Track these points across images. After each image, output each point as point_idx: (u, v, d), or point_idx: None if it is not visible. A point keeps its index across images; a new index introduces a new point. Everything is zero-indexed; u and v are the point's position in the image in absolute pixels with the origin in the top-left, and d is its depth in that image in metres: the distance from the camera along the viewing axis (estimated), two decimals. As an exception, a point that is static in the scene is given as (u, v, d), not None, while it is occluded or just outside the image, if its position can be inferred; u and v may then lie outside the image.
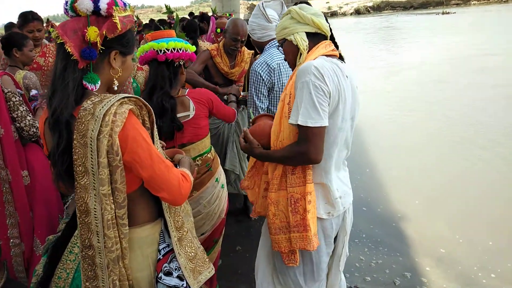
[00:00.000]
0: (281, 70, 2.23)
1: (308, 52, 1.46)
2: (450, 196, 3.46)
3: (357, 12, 42.28)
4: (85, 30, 1.01)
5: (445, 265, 2.54)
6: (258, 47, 2.45)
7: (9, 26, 3.64)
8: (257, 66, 2.23)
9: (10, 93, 1.89)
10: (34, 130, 1.96)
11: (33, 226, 2.00)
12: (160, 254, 1.18)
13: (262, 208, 1.64)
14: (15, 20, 3.27)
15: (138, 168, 1.03)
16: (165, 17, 6.15)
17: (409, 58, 11.09)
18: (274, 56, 2.24)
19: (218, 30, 4.49)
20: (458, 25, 19.13)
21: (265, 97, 2.25)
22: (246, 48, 2.94)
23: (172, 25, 4.66)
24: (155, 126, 1.15)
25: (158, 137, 1.18)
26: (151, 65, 1.77)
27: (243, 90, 2.95)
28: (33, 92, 2.25)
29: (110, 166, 1.00)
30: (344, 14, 41.73)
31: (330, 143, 1.43)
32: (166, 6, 5.01)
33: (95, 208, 1.02)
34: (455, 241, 2.79)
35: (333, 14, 41.63)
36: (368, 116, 5.80)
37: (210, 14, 6.28)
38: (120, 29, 1.04)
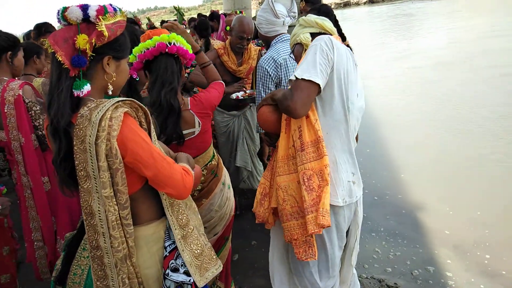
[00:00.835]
0: (288, 65, 2.23)
1: None
2: (467, 183, 3.39)
3: (371, 1, 41.34)
4: (75, 38, 1.03)
5: (464, 255, 2.50)
6: (265, 42, 2.46)
7: (28, 34, 3.76)
8: (263, 62, 2.24)
9: (31, 103, 1.95)
10: None
11: (56, 229, 2.07)
12: (166, 251, 1.20)
13: (255, 206, 1.68)
14: (12, 23, 3.32)
15: (142, 168, 1.06)
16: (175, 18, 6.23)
17: (416, 45, 10.94)
18: (280, 51, 2.24)
19: (228, 28, 4.51)
20: (472, 9, 18.47)
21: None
22: (253, 45, 2.95)
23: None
24: (152, 127, 1.17)
25: (156, 137, 1.21)
26: (157, 60, 1.62)
27: (251, 87, 2.97)
28: None
29: (111, 169, 1.03)
30: (357, 4, 40.88)
31: (337, 119, 1.47)
32: (175, 7, 5.04)
33: (99, 210, 1.05)
34: (474, 230, 2.74)
35: (346, 5, 40.85)
36: (380, 103, 5.71)
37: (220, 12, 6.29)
38: (107, 35, 1.05)
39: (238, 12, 5.63)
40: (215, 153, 1.97)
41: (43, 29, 2.99)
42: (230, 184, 2.04)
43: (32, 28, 3.29)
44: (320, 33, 1.60)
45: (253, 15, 9.93)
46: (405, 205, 3.19)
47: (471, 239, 2.65)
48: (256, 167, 3.00)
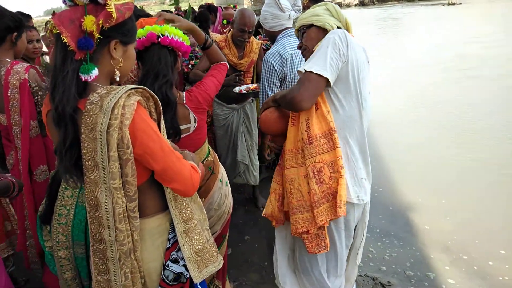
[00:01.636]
0: (294, 60, 2.22)
1: None
2: (461, 188, 3.46)
3: (362, 3, 41.75)
4: (82, 20, 0.98)
5: (459, 257, 2.54)
6: (270, 37, 2.43)
7: None
8: (269, 57, 2.22)
9: (37, 87, 1.87)
10: None
11: None
12: (169, 243, 1.18)
13: (270, 210, 1.67)
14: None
15: (150, 161, 1.02)
16: (171, 9, 6.11)
17: (396, 48, 11.54)
18: (286, 46, 2.22)
19: (225, 21, 4.46)
20: (457, 17, 19.27)
21: (277, 87, 2.24)
22: (255, 38, 2.92)
23: (182, 16, 4.63)
24: (162, 117, 1.14)
25: (165, 129, 1.17)
26: (149, 51, 1.55)
27: (252, 82, 2.95)
28: None
29: (121, 159, 0.99)
30: (348, 6, 41.20)
31: (351, 115, 1.45)
32: (172, -2, 4.97)
33: (106, 202, 1.01)
34: (466, 234, 2.79)
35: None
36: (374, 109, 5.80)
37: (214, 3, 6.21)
38: (115, 17, 0.99)
39: (232, 6, 5.58)
40: (210, 149, 1.91)
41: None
42: (228, 180, 1.99)
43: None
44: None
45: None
46: (397, 204, 3.23)
47: (467, 241, 2.69)
48: (252, 161, 2.99)
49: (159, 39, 1.51)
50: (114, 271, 1.07)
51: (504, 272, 2.36)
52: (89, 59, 1.00)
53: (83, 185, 1.05)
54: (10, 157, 1.99)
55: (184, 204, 1.20)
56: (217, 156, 1.98)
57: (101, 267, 1.08)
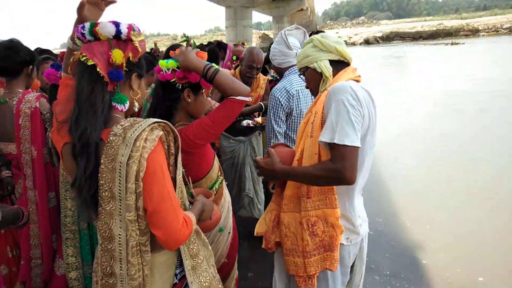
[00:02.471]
0: (300, 96, 2.28)
1: (333, 77, 1.46)
2: (465, 225, 3.39)
3: (367, 42, 43.00)
4: (110, 53, 1.03)
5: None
6: (278, 73, 2.53)
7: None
8: (276, 92, 2.29)
9: (48, 114, 1.95)
10: None
11: (56, 248, 2.01)
12: (176, 278, 1.17)
13: (264, 228, 1.62)
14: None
15: (146, 198, 1.01)
16: (183, 44, 6.36)
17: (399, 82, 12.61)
18: (293, 82, 2.30)
19: (234, 57, 4.63)
20: (456, 55, 20.23)
21: (283, 122, 2.29)
22: (262, 75, 3.03)
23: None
24: (180, 152, 1.15)
25: (181, 163, 1.17)
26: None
27: (258, 116, 3.02)
28: None
29: (135, 192, 0.99)
30: (353, 44, 42.45)
31: (357, 167, 1.39)
32: (184, 35, 5.19)
33: (119, 235, 1.01)
34: (471, 276, 2.71)
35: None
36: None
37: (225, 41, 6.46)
38: (141, 52, 1.09)
39: (240, 43, 5.80)
40: (221, 181, 1.75)
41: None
42: (230, 228, 1.83)
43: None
44: (338, 61, 1.49)
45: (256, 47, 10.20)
46: (402, 240, 3.16)
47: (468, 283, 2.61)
48: (258, 194, 2.99)
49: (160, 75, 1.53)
50: None
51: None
52: (119, 89, 1.07)
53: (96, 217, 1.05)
54: (19, 185, 2.02)
55: (191, 239, 1.20)
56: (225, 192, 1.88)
57: None
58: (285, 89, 2.27)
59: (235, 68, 3.11)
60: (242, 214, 3.06)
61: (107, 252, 1.04)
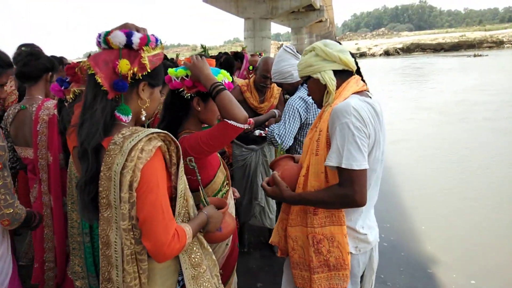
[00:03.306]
0: (316, 106, 2.26)
1: (337, 89, 1.42)
2: (481, 239, 3.27)
3: (387, 53, 42.61)
4: (117, 62, 1.02)
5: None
6: (292, 90, 2.45)
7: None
8: (294, 102, 2.26)
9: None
10: None
11: (70, 251, 2.03)
12: (179, 285, 1.16)
13: (277, 238, 1.61)
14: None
15: (138, 207, 1.00)
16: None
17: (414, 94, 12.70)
18: None
19: (251, 67, 4.68)
20: (477, 67, 20.08)
21: (293, 134, 2.26)
22: (275, 85, 3.04)
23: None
24: (181, 161, 1.13)
25: (183, 173, 1.15)
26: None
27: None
28: None
29: (130, 201, 0.99)
30: (373, 55, 42.12)
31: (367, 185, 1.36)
32: (202, 46, 5.28)
33: (115, 242, 1.02)
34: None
35: (362, 55, 42.17)
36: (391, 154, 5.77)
37: (241, 50, 6.51)
38: (149, 70, 1.06)
39: (258, 53, 5.86)
40: (225, 192, 1.65)
41: None
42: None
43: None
44: (342, 71, 1.43)
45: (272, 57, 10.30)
46: (415, 254, 3.07)
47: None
48: (269, 203, 2.97)
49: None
50: None
51: None
52: (123, 99, 1.06)
53: (96, 222, 1.06)
54: (34, 190, 2.07)
55: (195, 248, 1.18)
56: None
57: None
58: (302, 99, 2.26)
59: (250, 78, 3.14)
60: (254, 223, 3.05)
61: (105, 258, 1.05)
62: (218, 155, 1.71)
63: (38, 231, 2.01)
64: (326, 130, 1.35)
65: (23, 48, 2.06)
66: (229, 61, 4.12)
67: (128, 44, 1.04)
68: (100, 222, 1.04)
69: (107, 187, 1.00)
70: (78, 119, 1.07)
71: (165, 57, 4.85)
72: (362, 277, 1.57)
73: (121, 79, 1.03)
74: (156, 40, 1.11)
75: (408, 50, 42.70)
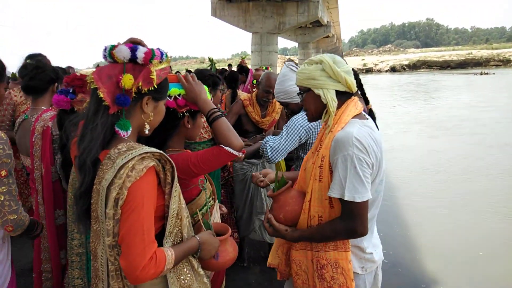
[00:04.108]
0: (319, 127, 2.16)
1: (336, 110, 1.39)
2: (483, 259, 3.21)
3: (393, 69, 42.71)
4: (120, 77, 1.02)
5: None
6: (298, 109, 2.34)
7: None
8: (298, 120, 2.16)
9: (57, 136, 1.99)
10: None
11: (66, 263, 2.01)
12: None
13: (276, 261, 1.59)
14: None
15: (120, 225, 0.99)
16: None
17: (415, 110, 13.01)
18: None
19: (255, 81, 4.74)
20: (481, 85, 20.38)
21: (286, 151, 2.16)
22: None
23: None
24: (176, 181, 1.11)
25: (178, 192, 1.13)
26: None
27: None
28: None
29: (113, 219, 0.98)
30: (379, 71, 42.24)
31: (369, 208, 1.36)
32: (209, 58, 5.32)
33: (101, 256, 1.02)
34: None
35: (368, 71, 42.31)
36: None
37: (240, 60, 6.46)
38: (156, 85, 1.05)
39: (264, 68, 5.92)
40: (210, 206, 1.55)
41: None
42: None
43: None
44: (344, 92, 1.40)
45: (278, 71, 10.40)
46: (421, 276, 3.02)
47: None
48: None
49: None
50: None
51: None
52: (124, 114, 1.05)
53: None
54: (35, 199, 2.07)
55: (185, 269, 1.16)
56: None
57: None
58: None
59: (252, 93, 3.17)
60: (254, 237, 3.03)
61: (94, 270, 1.06)
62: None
63: (36, 242, 2.02)
64: (328, 157, 1.34)
65: (28, 61, 2.09)
66: (234, 75, 4.18)
67: (133, 59, 1.04)
68: (90, 234, 1.04)
69: (96, 200, 1.00)
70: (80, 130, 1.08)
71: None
72: None
73: (124, 93, 1.03)
74: (161, 54, 1.10)
75: (415, 67, 42.83)
